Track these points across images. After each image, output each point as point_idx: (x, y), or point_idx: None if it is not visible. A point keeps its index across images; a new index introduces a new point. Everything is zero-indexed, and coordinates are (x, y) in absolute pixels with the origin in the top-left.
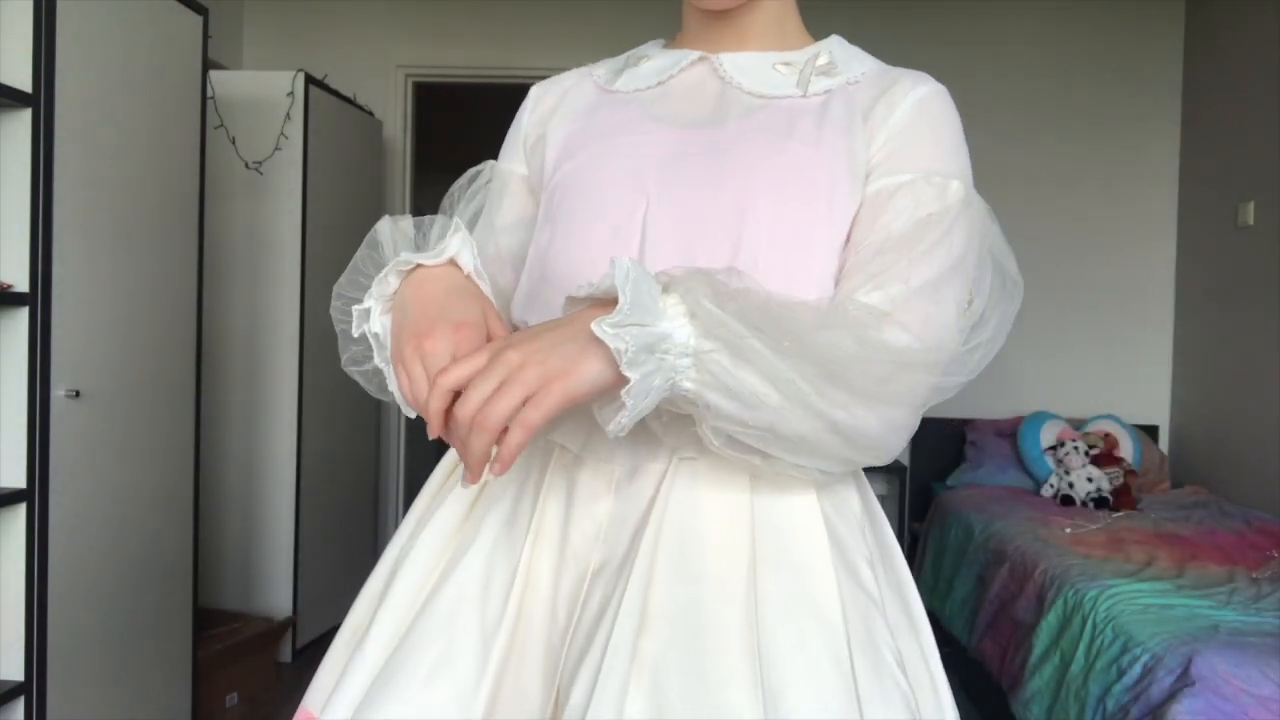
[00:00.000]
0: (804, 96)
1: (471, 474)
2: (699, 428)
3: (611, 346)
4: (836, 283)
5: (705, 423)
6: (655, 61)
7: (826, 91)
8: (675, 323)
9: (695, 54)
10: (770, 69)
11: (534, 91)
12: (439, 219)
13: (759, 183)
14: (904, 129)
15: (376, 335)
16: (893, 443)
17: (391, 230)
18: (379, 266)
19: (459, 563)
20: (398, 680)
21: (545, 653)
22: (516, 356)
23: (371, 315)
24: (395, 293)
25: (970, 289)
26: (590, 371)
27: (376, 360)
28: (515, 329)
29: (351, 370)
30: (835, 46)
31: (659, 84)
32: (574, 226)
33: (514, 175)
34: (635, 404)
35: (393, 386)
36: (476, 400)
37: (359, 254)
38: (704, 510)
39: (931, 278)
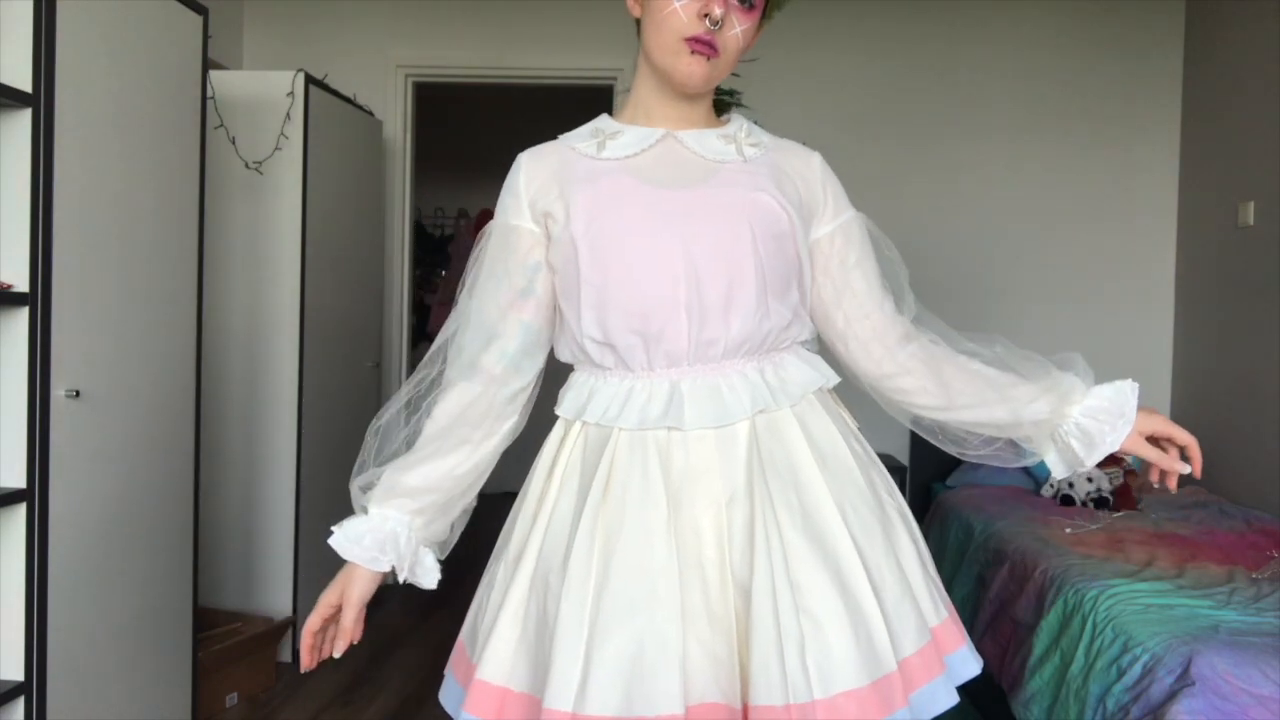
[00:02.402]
0: (745, 161)
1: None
2: None
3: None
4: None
5: None
6: (628, 136)
7: (755, 158)
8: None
9: (660, 132)
10: (715, 139)
11: (524, 159)
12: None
13: (752, 220)
14: (825, 182)
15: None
16: None
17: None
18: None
19: (618, 535)
20: (611, 626)
21: (698, 567)
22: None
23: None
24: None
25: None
26: (344, 576)
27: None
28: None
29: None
30: (744, 123)
31: (638, 154)
32: (627, 267)
33: (520, 229)
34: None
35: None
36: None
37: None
38: (778, 442)
39: None
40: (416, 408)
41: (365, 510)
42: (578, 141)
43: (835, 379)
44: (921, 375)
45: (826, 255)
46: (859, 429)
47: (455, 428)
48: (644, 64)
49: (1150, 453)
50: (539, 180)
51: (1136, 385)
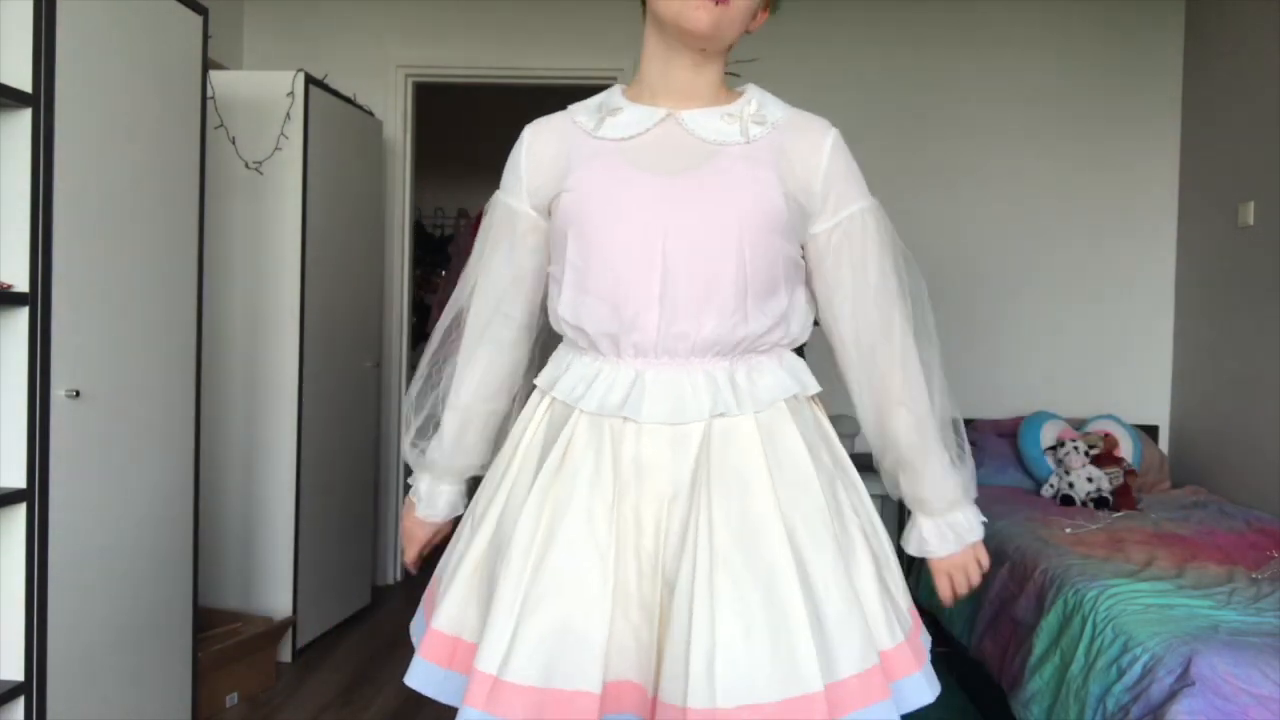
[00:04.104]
0: (747, 143)
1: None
2: None
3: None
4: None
5: None
6: (628, 114)
7: (759, 138)
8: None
9: (661, 112)
10: (717, 120)
11: (527, 135)
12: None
13: (740, 213)
14: (831, 172)
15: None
16: None
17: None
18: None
19: (565, 511)
20: (545, 597)
21: (636, 555)
22: None
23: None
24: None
25: None
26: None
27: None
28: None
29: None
30: (756, 95)
31: (635, 136)
32: (607, 257)
33: (519, 213)
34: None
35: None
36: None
37: (416, 396)
38: (732, 448)
39: None
40: (437, 381)
41: (421, 471)
42: (581, 114)
43: (814, 388)
44: (868, 399)
45: (821, 252)
46: (840, 437)
47: (477, 404)
48: (650, 31)
49: (943, 583)
50: (542, 162)
51: (981, 532)
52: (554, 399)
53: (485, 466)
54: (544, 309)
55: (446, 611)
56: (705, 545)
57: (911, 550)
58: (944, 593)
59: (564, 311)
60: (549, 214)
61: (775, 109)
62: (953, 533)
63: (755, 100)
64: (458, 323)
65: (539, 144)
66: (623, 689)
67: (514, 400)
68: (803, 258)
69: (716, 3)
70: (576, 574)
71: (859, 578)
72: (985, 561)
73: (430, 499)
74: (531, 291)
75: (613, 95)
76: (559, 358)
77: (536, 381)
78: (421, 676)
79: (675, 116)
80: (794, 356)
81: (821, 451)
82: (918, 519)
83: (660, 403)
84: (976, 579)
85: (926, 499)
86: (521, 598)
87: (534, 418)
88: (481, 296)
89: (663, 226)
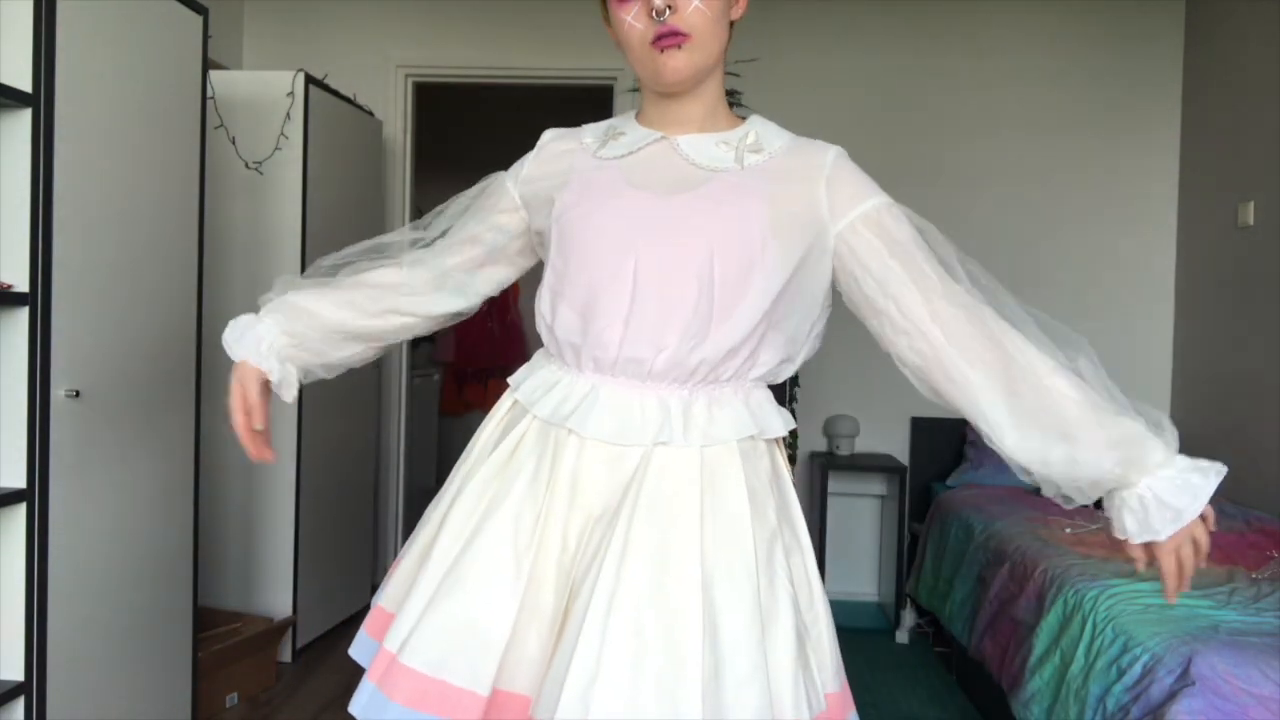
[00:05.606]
0: (741, 170)
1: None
2: None
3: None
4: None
5: None
6: (628, 137)
7: (755, 166)
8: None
9: (656, 134)
10: (713, 146)
11: (546, 137)
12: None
13: (714, 242)
14: (833, 179)
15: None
16: None
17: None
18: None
19: (497, 508)
20: (455, 588)
21: (557, 569)
22: None
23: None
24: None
25: None
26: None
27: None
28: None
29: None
30: (758, 126)
31: (630, 154)
32: (582, 265)
33: (507, 193)
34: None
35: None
36: None
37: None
38: (667, 479)
39: None
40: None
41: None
42: (589, 135)
43: (774, 431)
44: (998, 394)
45: (854, 249)
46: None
47: (362, 287)
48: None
49: (1171, 564)
50: (545, 167)
51: (1224, 469)
52: (516, 400)
53: (320, 365)
54: (435, 294)
55: (389, 590)
56: (613, 568)
57: (1137, 535)
58: (1172, 580)
59: (544, 306)
60: (529, 212)
61: (775, 139)
62: (1189, 487)
63: (754, 131)
64: (380, 250)
65: (551, 146)
66: (510, 700)
67: (373, 352)
68: (835, 289)
69: (679, 46)
70: (489, 573)
71: (773, 646)
72: (1210, 519)
73: (250, 329)
74: (470, 261)
75: (623, 121)
76: (533, 360)
77: (509, 379)
78: (359, 647)
79: (671, 141)
80: (763, 394)
81: (768, 506)
82: (1135, 487)
83: (606, 420)
84: (1206, 544)
85: (1144, 455)
86: (437, 584)
87: (498, 414)
88: (437, 239)
89: (638, 245)
